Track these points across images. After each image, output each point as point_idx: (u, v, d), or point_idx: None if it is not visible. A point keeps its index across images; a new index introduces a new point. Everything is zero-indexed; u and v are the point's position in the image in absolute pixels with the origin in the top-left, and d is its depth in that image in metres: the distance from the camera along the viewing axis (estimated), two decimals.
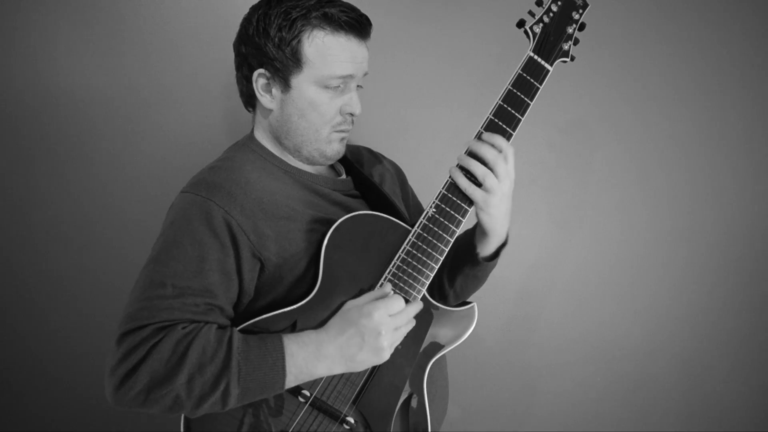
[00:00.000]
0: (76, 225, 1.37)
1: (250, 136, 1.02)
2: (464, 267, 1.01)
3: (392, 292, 0.90)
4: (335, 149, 0.98)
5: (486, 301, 1.47)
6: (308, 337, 0.85)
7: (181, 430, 0.89)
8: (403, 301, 0.88)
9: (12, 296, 1.38)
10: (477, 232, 0.98)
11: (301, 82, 0.92)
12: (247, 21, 0.95)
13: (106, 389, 0.80)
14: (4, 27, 1.28)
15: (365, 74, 0.98)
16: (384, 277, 0.91)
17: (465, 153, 0.90)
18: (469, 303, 0.97)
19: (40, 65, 1.30)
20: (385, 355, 0.86)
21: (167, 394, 0.78)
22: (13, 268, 1.37)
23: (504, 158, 0.88)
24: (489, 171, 0.88)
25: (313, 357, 0.83)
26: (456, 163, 0.91)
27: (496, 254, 1.00)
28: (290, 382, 0.83)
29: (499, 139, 0.89)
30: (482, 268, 1.00)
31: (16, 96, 1.31)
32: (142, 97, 1.34)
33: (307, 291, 0.90)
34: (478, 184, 0.89)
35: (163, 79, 1.34)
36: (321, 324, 0.88)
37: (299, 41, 0.90)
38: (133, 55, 1.32)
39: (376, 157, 1.18)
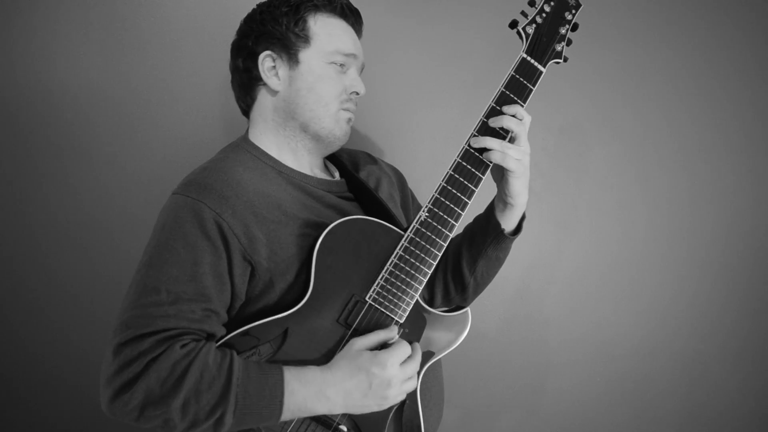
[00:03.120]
0: (76, 224, 1.37)
1: (244, 138, 1.01)
2: (487, 249, 1.01)
3: (399, 334, 0.90)
4: (343, 129, 1.00)
5: (485, 301, 1.48)
6: (312, 375, 0.83)
7: None
8: (409, 347, 0.88)
9: (12, 295, 1.38)
10: (497, 210, 0.98)
11: (309, 56, 0.96)
12: (249, 17, 1.00)
13: (101, 399, 0.80)
14: (3, 27, 1.29)
15: (363, 65, 1.04)
16: (377, 282, 0.90)
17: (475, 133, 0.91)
18: (462, 308, 0.96)
19: (39, 64, 1.31)
20: (388, 405, 0.86)
21: (160, 415, 0.78)
22: (13, 267, 1.37)
23: (525, 124, 0.91)
24: (520, 134, 0.90)
25: (314, 397, 0.82)
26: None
27: (519, 227, 1.01)
28: (286, 417, 0.82)
29: (518, 109, 0.90)
30: (507, 244, 1.02)
31: (15, 95, 1.31)
32: (142, 96, 1.34)
33: (299, 297, 0.88)
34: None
35: (163, 79, 1.34)
36: (316, 340, 0.87)
37: (305, 21, 0.96)
38: (132, 54, 1.33)
39: (374, 161, 1.18)
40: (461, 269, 1.05)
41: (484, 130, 0.90)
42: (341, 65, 0.97)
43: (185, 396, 0.77)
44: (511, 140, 0.91)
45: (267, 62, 0.96)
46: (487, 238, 1.00)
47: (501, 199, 0.97)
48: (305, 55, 0.96)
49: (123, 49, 1.32)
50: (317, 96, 0.96)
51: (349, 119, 1.01)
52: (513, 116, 0.90)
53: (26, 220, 1.36)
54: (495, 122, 0.89)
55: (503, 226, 0.98)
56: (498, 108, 0.90)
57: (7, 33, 1.29)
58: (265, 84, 0.98)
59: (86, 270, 1.39)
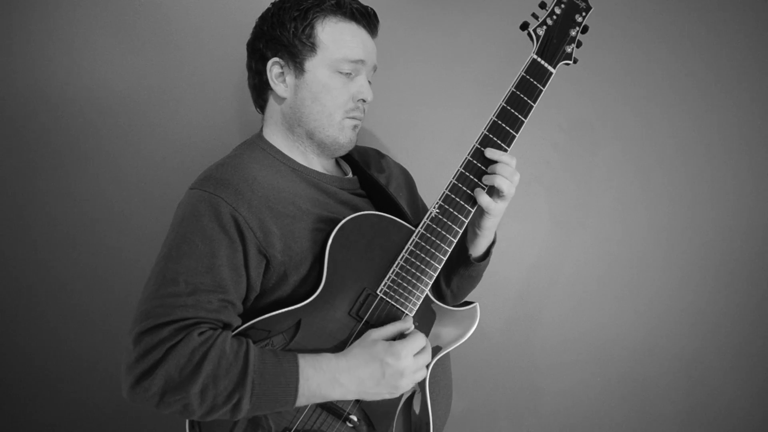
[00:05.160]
0: (75, 226, 1.37)
1: (259, 135, 1.03)
2: (458, 268, 1.04)
3: (414, 327, 0.91)
4: (348, 136, 1.00)
5: (487, 301, 1.48)
6: (326, 363, 0.85)
7: (186, 425, 0.90)
8: (424, 338, 0.90)
9: (12, 296, 1.38)
10: (468, 235, 1.01)
11: (315, 65, 0.96)
12: (261, 18, 1.00)
13: (123, 386, 0.81)
14: (3, 27, 1.28)
15: (375, 67, 1.02)
16: (388, 276, 0.91)
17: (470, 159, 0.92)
18: (471, 303, 0.98)
19: (37, 65, 1.30)
20: (399, 393, 0.88)
21: (180, 400, 0.80)
22: (13, 268, 1.37)
23: (513, 172, 0.92)
24: (509, 182, 0.91)
25: (327, 383, 0.85)
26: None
27: (487, 254, 1.03)
28: (301, 402, 0.84)
29: (509, 158, 0.92)
30: (475, 268, 1.04)
31: (17, 96, 1.31)
32: (145, 97, 1.34)
33: (312, 290, 0.90)
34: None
35: (167, 79, 1.34)
36: (328, 331, 0.89)
37: (312, 27, 0.95)
38: (136, 55, 1.32)
39: (384, 159, 1.19)
40: (438, 280, 1.07)
41: (494, 130, 0.92)
42: (349, 73, 0.96)
43: (203, 382, 0.79)
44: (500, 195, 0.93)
45: (275, 69, 0.97)
46: (459, 258, 1.03)
47: (472, 229, 0.99)
48: (311, 63, 0.95)
49: (126, 49, 1.32)
50: (321, 106, 0.96)
51: (355, 126, 1.01)
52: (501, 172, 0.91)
53: (26, 221, 1.36)
54: (488, 180, 0.91)
55: (470, 252, 1.01)
56: (509, 109, 0.92)
57: (5, 34, 1.28)
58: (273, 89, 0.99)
59: (87, 272, 1.39)
